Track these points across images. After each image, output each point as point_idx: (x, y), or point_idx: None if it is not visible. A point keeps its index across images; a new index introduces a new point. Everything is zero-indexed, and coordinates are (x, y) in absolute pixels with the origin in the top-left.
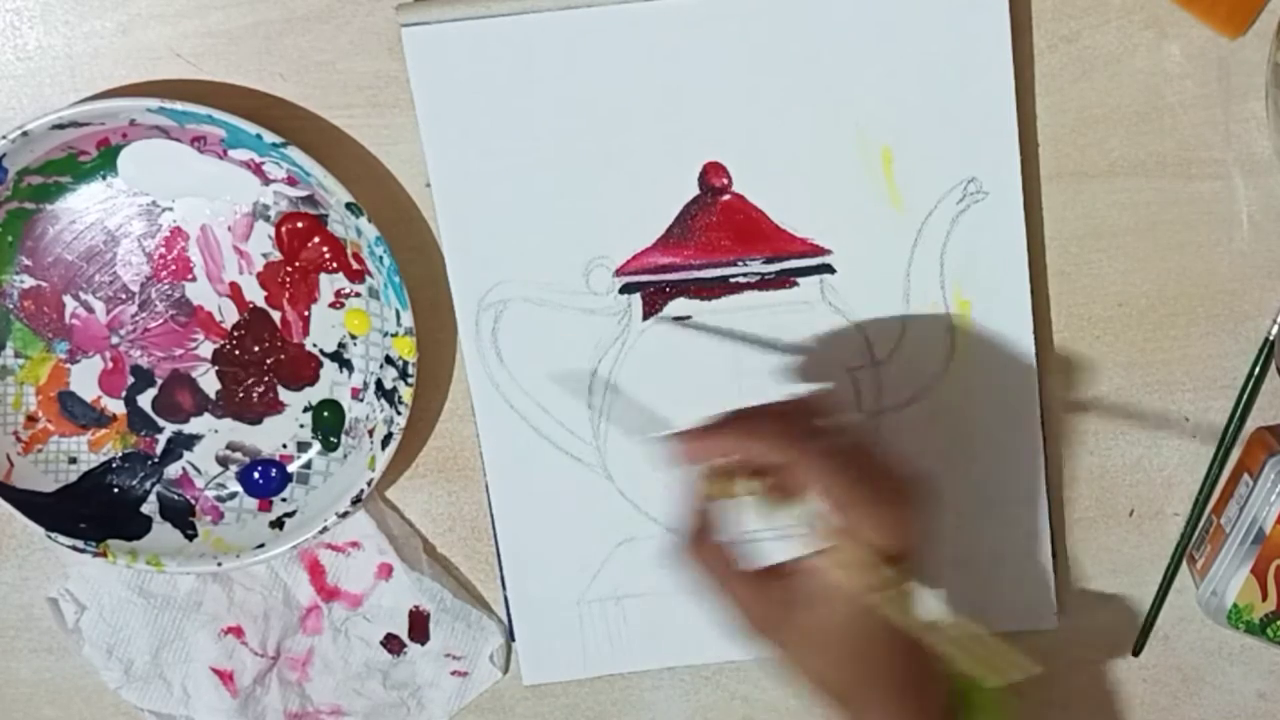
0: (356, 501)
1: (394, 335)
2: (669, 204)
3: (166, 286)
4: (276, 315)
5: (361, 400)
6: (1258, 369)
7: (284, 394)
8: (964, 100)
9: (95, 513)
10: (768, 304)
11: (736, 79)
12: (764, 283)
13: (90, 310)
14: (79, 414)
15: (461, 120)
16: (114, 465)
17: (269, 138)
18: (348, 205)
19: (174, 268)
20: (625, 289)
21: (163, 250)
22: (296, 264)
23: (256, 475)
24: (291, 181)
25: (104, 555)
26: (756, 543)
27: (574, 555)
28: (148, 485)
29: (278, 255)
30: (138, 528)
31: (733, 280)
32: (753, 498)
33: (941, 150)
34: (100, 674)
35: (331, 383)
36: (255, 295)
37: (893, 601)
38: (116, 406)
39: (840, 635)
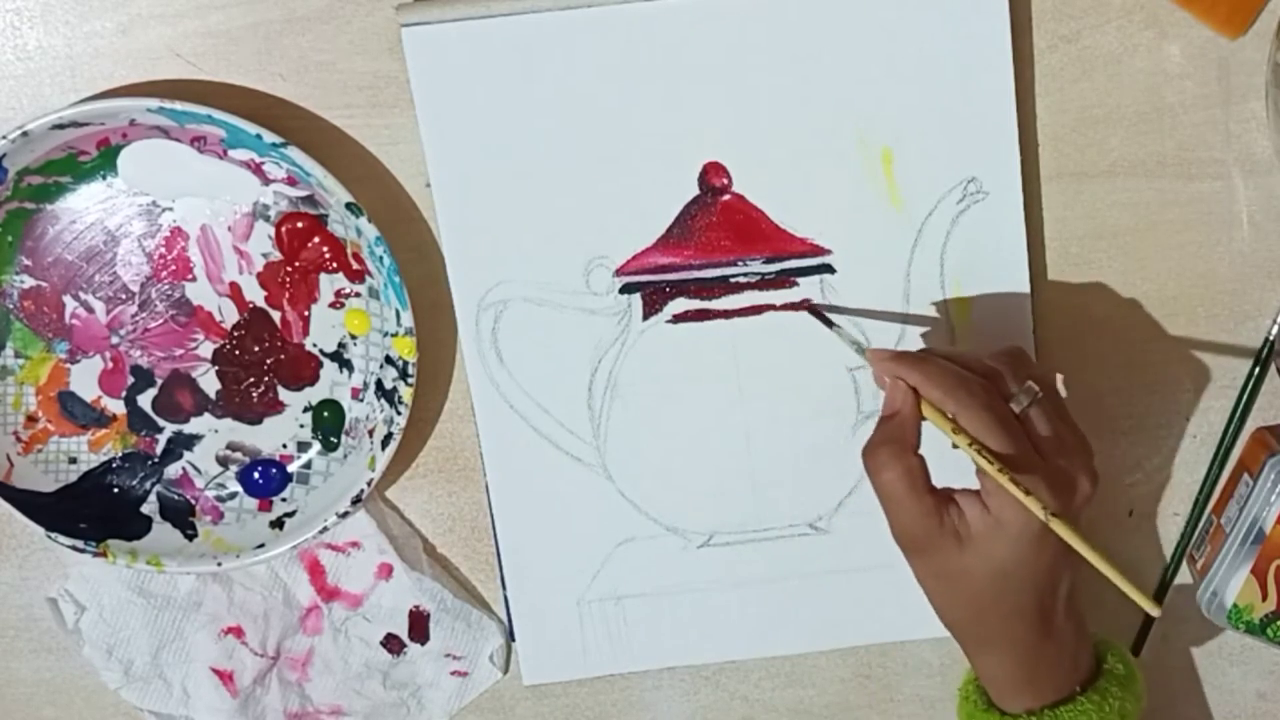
0: (356, 501)
1: (394, 335)
2: (669, 204)
3: (166, 286)
4: (276, 315)
5: (361, 400)
6: (1258, 369)
7: (284, 394)
8: (964, 100)
9: (95, 513)
10: (768, 304)
11: (736, 79)
12: (764, 283)
13: (90, 310)
14: (79, 414)
15: (461, 120)
16: (114, 465)
17: (269, 138)
18: (348, 205)
19: (174, 268)
20: (625, 289)
21: (163, 250)
22: (296, 264)
23: (256, 475)
24: (291, 181)
25: (104, 555)
26: (757, 542)
27: (574, 555)
28: (148, 485)
29: (278, 255)
30: (138, 528)
31: (733, 280)
32: (942, 422)
33: (941, 150)
34: (100, 674)
35: (331, 383)
36: (255, 295)
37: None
38: (116, 406)
39: (977, 582)
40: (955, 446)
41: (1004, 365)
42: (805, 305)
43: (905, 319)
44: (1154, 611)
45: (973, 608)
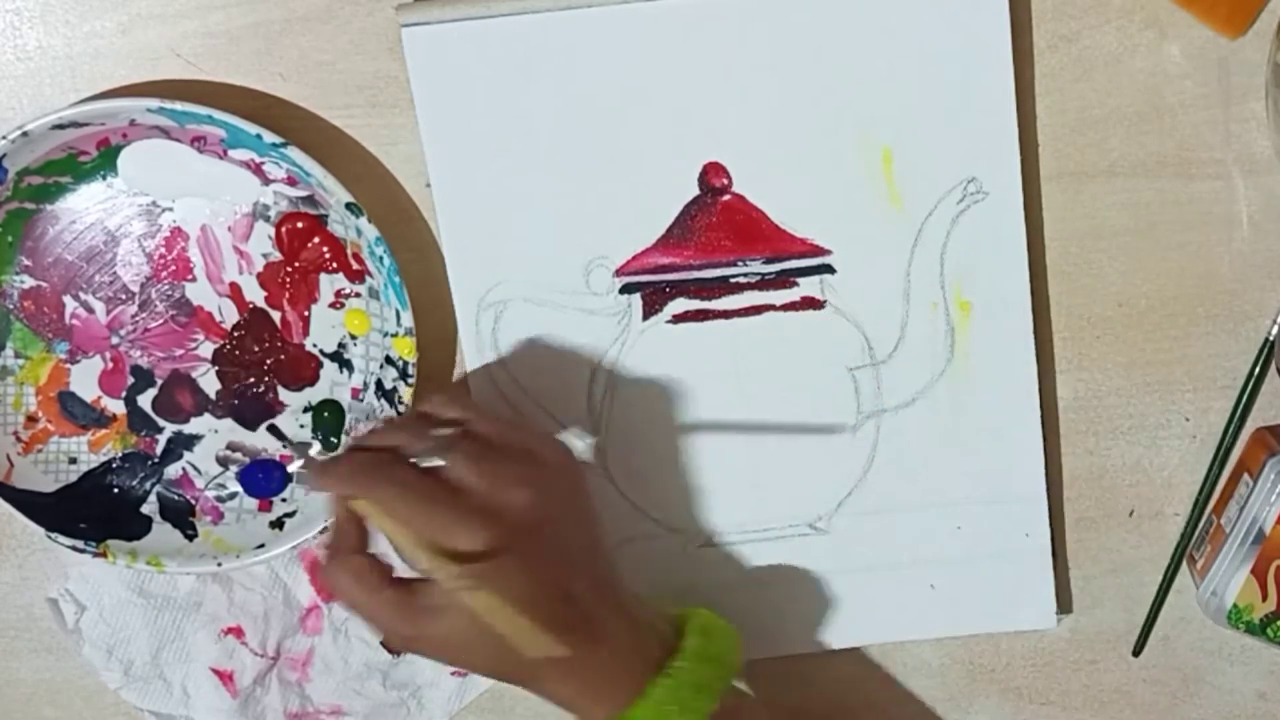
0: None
1: (394, 335)
2: (669, 204)
3: (166, 287)
4: (276, 315)
5: (361, 400)
6: (1258, 369)
7: (284, 394)
8: (964, 100)
9: (95, 513)
10: (768, 304)
11: (736, 79)
12: (764, 283)
13: (90, 310)
14: (79, 414)
15: (461, 120)
16: (114, 465)
17: (269, 138)
18: (348, 205)
19: (174, 268)
20: (625, 289)
21: (163, 250)
22: (296, 264)
23: (257, 475)
24: (291, 181)
25: (104, 555)
26: (757, 542)
27: None
28: (148, 485)
29: (278, 255)
30: (138, 528)
31: (733, 280)
32: (368, 510)
33: (941, 150)
34: (100, 674)
35: (331, 383)
36: (255, 295)
37: (486, 599)
38: (116, 407)
39: (484, 632)
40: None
41: (401, 430)
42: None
43: (905, 319)
44: (537, 650)
45: (496, 655)
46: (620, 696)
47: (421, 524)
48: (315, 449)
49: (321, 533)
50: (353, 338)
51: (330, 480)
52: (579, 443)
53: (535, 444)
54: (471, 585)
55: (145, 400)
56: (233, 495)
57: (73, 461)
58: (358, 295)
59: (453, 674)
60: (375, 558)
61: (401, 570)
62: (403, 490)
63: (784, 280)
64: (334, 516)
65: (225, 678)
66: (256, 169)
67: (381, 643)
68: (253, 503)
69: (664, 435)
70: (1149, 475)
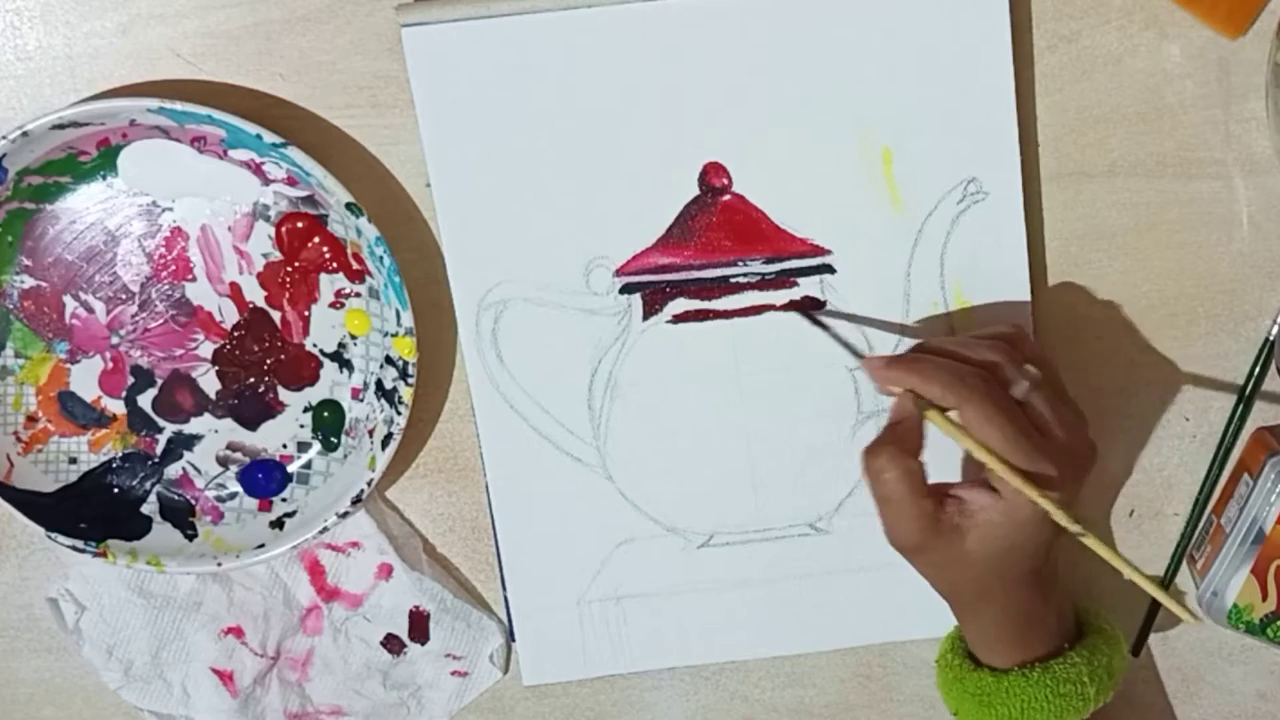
0: (356, 501)
1: (394, 335)
2: (669, 204)
3: (166, 286)
4: (276, 315)
5: (361, 400)
6: (1258, 369)
7: (284, 394)
8: (964, 100)
9: (95, 513)
10: (768, 304)
11: (737, 79)
12: (764, 283)
13: (90, 310)
14: (79, 414)
15: (461, 120)
16: (114, 465)
17: (269, 138)
18: (348, 205)
19: (174, 268)
20: (625, 289)
21: (163, 250)
22: (296, 264)
23: (257, 475)
24: (291, 181)
25: (104, 555)
26: (757, 542)
27: (574, 555)
28: (148, 485)
29: (278, 255)
30: (138, 528)
31: (733, 280)
32: (945, 425)
33: (941, 150)
34: (100, 674)
35: (331, 383)
36: (255, 295)
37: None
38: (116, 406)
39: (978, 564)
40: (967, 451)
41: (1000, 353)
42: (799, 306)
43: (905, 319)
44: (1192, 620)
45: (971, 583)
46: (1038, 649)
47: (1017, 453)
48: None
49: (322, 532)
50: (353, 337)
51: (919, 378)
52: (579, 443)
53: (1084, 415)
54: (1073, 520)
55: (145, 400)
56: (233, 495)
57: (73, 461)
58: (358, 295)
59: (452, 674)
60: (924, 466)
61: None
62: (1006, 416)
63: (784, 280)
64: (900, 413)
65: (225, 678)
66: (256, 169)
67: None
68: (253, 503)
69: (664, 435)
70: (1149, 475)
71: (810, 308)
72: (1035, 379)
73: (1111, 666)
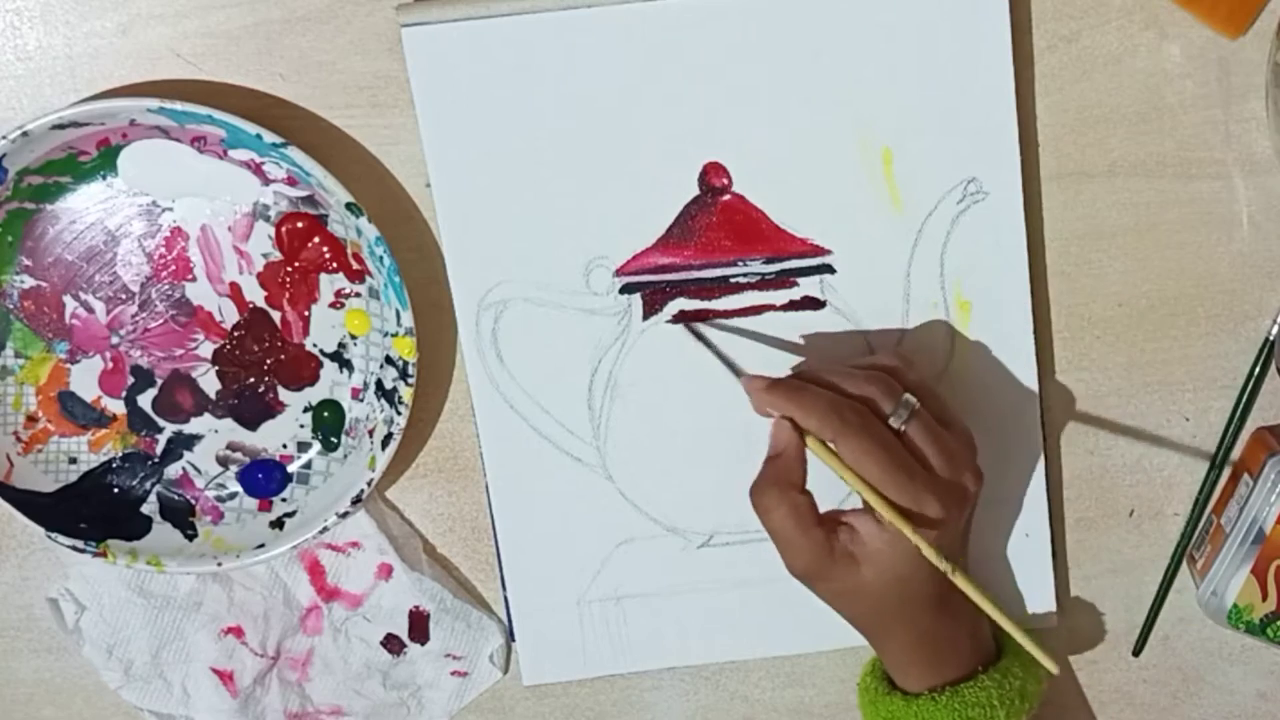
0: (356, 501)
1: (394, 335)
2: (669, 204)
3: (166, 286)
4: (276, 315)
5: (361, 400)
6: (1258, 369)
7: (284, 394)
8: (964, 100)
9: (95, 513)
10: (768, 304)
11: (736, 79)
12: (764, 283)
13: (90, 310)
14: (79, 414)
15: (461, 120)
16: (114, 465)
17: (269, 138)
18: (348, 205)
19: (174, 268)
20: (625, 289)
21: (163, 250)
22: (296, 264)
23: (257, 475)
24: (291, 181)
25: (104, 555)
26: (757, 542)
27: (574, 555)
28: (148, 485)
29: (278, 255)
30: (138, 528)
31: (733, 280)
32: (825, 456)
33: (941, 150)
34: (100, 674)
35: (331, 383)
36: (255, 295)
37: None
38: (116, 406)
39: (877, 591)
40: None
41: (879, 384)
42: (684, 318)
43: (905, 319)
44: (1053, 669)
45: (874, 610)
46: (950, 672)
47: (892, 487)
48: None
49: (322, 532)
50: (353, 337)
51: (798, 409)
52: (579, 443)
53: (968, 429)
54: (941, 556)
55: (145, 400)
56: (233, 495)
57: (73, 461)
58: (358, 295)
59: (452, 674)
60: (810, 495)
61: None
62: (883, 449)
63: (784, 280)
64: (782, 445)
65: (225, 677)
66: (256, 169)
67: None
68: (253, 503)
69: (664, 435)
70: (1149, 475)
71: (810, 308)
72: (912, 408)
73: (1025, 690)
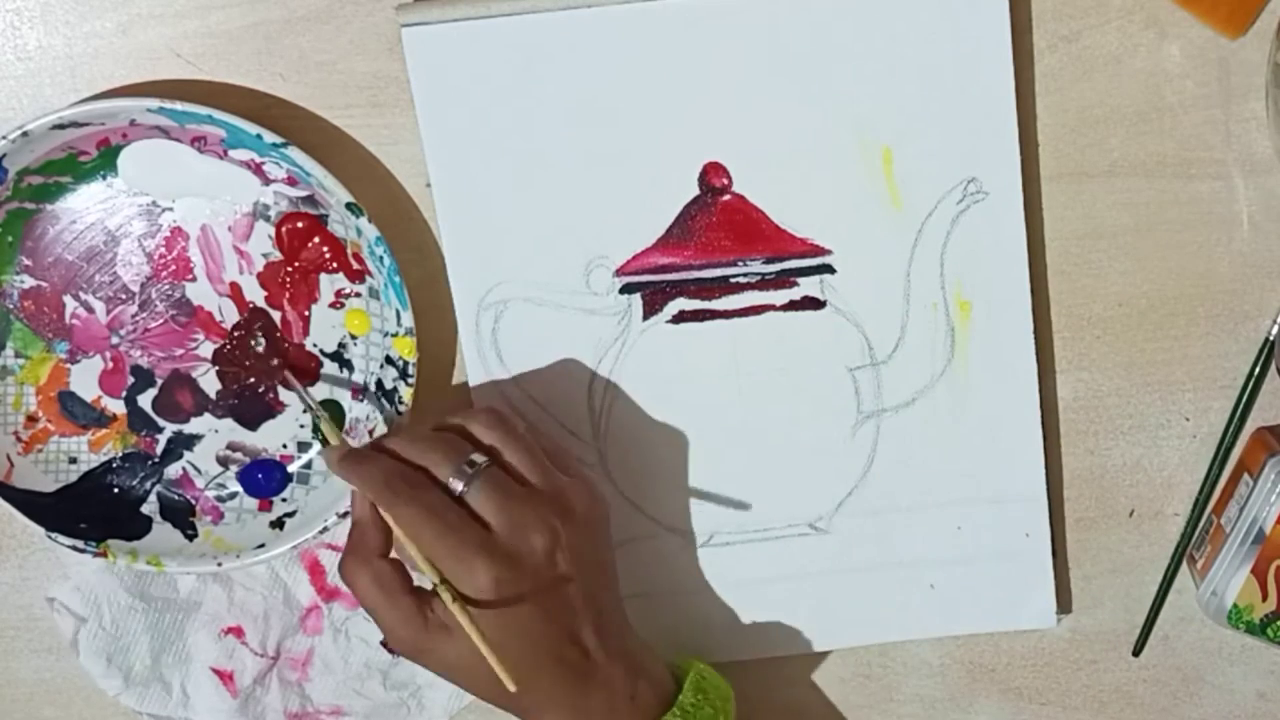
0: None
1: (394, 335)
2: (669, 204)
3: (167, 286)
4: (277, 315)
5: (362, 400)
6: (1258, 369)
7: (284, 394)
8: (964, 100)
9: (95, 513)
10: (768, 304)
11: (736, 79)
12: (764, 283)
13: (90, 310)
14: (79, 414)
15: (461, 120)
16: (114, 465)
17: (269, 138)
18: (348, 205)
19: (174, 268)
20: (625, 289)
21: (163, 250)
22: (296, 264)
23: (257, 475)
24: (291, 181)
25: (104, 555)
26: (757, 542)
27: None
28: (148, 485)
29: (278, 255)
30: (138, 528)
31: (733, 280)
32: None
33: (941, 150)
34: (99, 683)
35: (331, 383)
36: (255, 295)
37: (477, 634)
38: (117, 406)
39: (473, 661)
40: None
41: (439, 448)
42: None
43: (905, 319)
44: (511, 687)
45: (490, 681)
46: None
47: (437, 553)
48: (358, 421)
49: (322, 532)
50: (353, 338)
51: (358, 481)
52: (579, 443)
53: (567, 487)
54: (467, 619)
55: (145, 400)
56: (233, 495)
57: (73, 461)
58: (358, 295)
59: None
60: (396, 563)
61: (421, 579)
62: (427, 515)
63: (784, 280)
64: (357, 515)
65: (225, 678)
66: (257, 169)
67: (382, 643)
68: (253, 503)
69: (664, 435)
70: (1149, 475)
71: (810, 308)
72: (475, 471)
73: (701, 708)
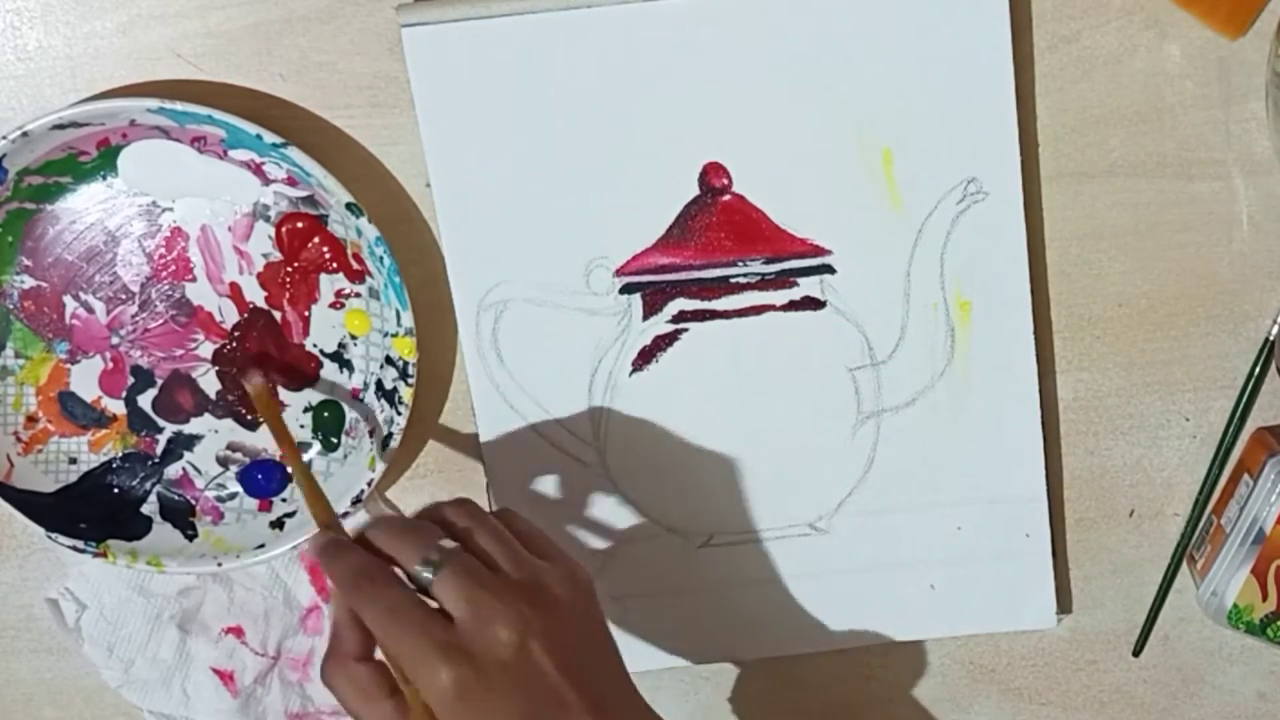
0: (356, 502)
1: (394, 335)
2: (669, 204)
3: (166, 287)
4: (277, 315)
5: (362, 400)
6: (1258, 369)
7: (284, 394)
8: (964, 100)
9: (95, 513)
10: (768, 304)
11: (736, 79)
12: (764, 283)
13: (90, 310)
14: (79, 414)
15: (461, 120)
16: (114, 465)
17: (269, 138)
18: (348, 205)
19: (174, 268)
20: (625, 289)
21: (163, 250)
22: (296, 264)
23: (257, 475)
24: (291, 182)
25: (104, 555)
26: (757, 542)
27: (574, 555)
28: (148, 485)
29: (278, 255)
30: (138, 528)
31: (733, 280)
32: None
33: (941, 150)
34: (101, 672)
35: (332, 383)
36: (255, 295)
37: None
38: (116, 407)
39: None
40: None
41: (407, 537)
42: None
43: (905, 319)
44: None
45: None
46: None
47: (397, 652)
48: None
49: None
50: (353, 338)
51: (331, 579)
52: (579, 443)
53: (542, 572)
54: None
55: (145, 400)
56: (233, 495)
57: (73, 461)
58: (358, 295)
59: None
60: (377, 664)
61: None
62: (388, 616)
63: (784, 280)
64: (335, 616)
65: (226, 677)
66: (256, 169)
67: None
68: (253, 503)
69: (664, 435)
70: (1149, 475)
71: (810, 308)
72: (447, 558)
73: None
